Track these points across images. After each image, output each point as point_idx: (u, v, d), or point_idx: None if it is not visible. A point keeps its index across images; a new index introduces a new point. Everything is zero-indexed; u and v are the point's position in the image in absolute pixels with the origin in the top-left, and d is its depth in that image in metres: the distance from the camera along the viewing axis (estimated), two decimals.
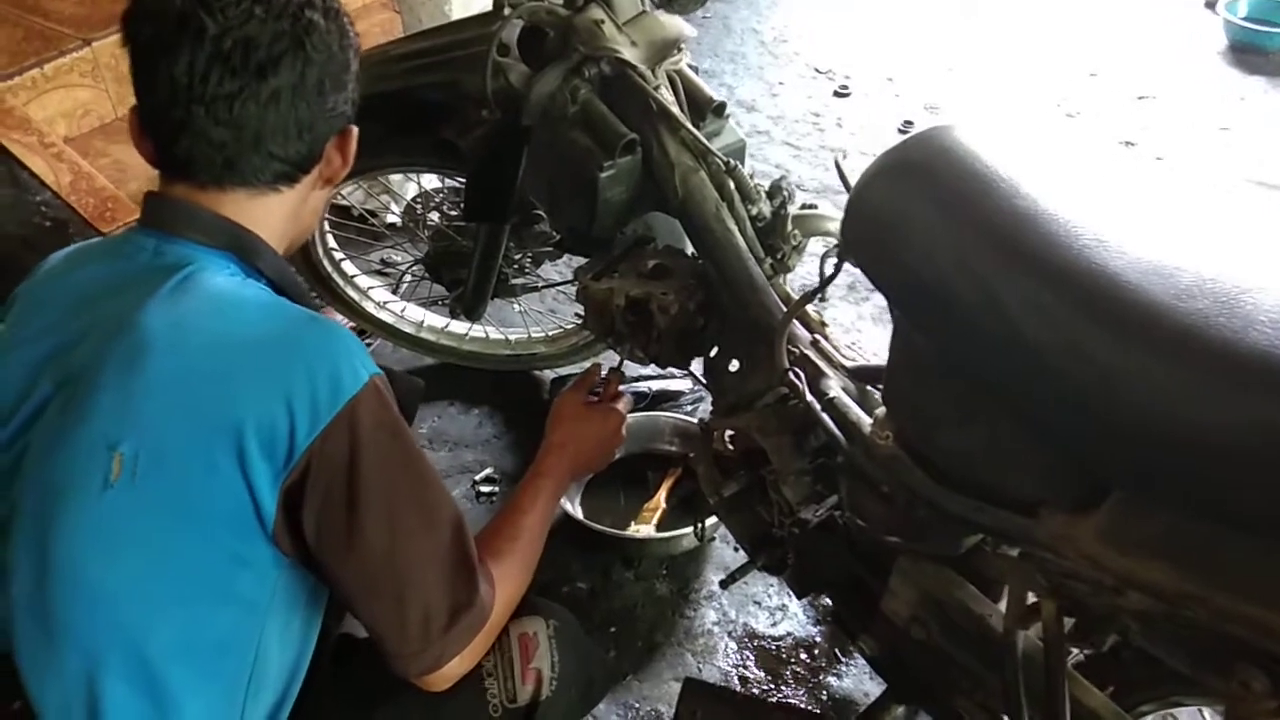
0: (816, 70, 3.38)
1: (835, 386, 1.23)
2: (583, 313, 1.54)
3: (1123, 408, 0.79)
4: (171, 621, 0.89)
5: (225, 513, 0.88)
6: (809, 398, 1.20)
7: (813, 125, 3.09)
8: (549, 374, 2.22)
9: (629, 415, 1.48)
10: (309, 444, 0.87)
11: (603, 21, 1.33)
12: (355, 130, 1.04)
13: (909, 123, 3.06)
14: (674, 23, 1.37)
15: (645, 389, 2.13)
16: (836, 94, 3.24)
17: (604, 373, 1.54)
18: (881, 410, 1.15)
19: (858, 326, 2.33)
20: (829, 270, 1.20)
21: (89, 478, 0.87)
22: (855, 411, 1.18)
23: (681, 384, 2.17)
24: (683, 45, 1.39)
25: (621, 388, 1.50)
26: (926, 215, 0.94)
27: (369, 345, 2.27)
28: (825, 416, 1.18)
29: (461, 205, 1.84)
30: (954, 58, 3.44)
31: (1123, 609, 0.89)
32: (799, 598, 1.41)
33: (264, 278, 0.99)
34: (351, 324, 2.20)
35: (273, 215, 1.00)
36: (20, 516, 0.95)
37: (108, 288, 0.94)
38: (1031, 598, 1.03)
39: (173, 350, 0.88)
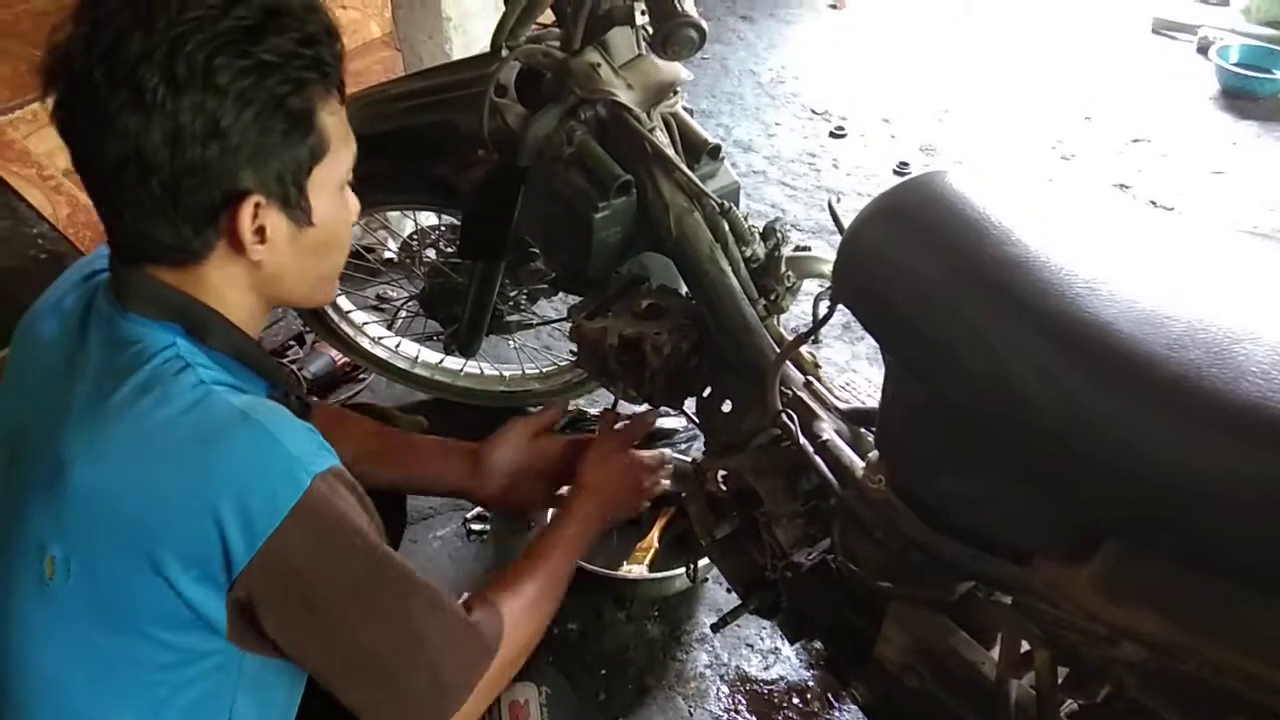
0: (813, 111, 3.41)
1: (828, 429, 1.23)
2: (576, 351, 1.53)
3: (1114, 459, 0.79)
4: (131, 707, 0.88)
5: (169, 619, 0.85)
6: (802, 440, 1.19)
7: (808, 166, 3.11)
8: None
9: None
10: (248, 561, 0.82)
11: (599, 65, 1.34)
12: (252, 202, 0.87)
13: (904, 164, 3.09)
14: (670, 67, 1.38)
15: (628, 418, 2.12)
16: (832, 135, 3.26)
17: (597, 412, 1.53)
18: (874, 454, 1.14)
19: (853, 366, 2.33)
20: (821, 312, 1.21)
21: (27, 574, 0.86)
22: (848, 455, 1.17)
23: (675, 423, 2.16)
24: (678, 89, 1.40)
25: (617, 426, 1.50)
26: (918, 261, 0.94)
27: (362, 381, 2.27)
28: (818, 459, 1.18)
29: (458, 243, 1.85)
30: (950, 100, 3.47)
31: (1116, 659, 0.88)
32: (791, 642, 1.39)
33: (219, 353, 0.92)
34: (345, 359, 2.20)
35: (217, 286, 0.91)
36: None
37: (62, 369, 0.91)
38: (1025, 646, 1.03)
39: (93, 461, 0.84)
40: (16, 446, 0.91)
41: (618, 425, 1.47)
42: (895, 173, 3.05)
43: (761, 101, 3.48)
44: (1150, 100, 3.50)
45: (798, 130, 3.30)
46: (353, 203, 1.00)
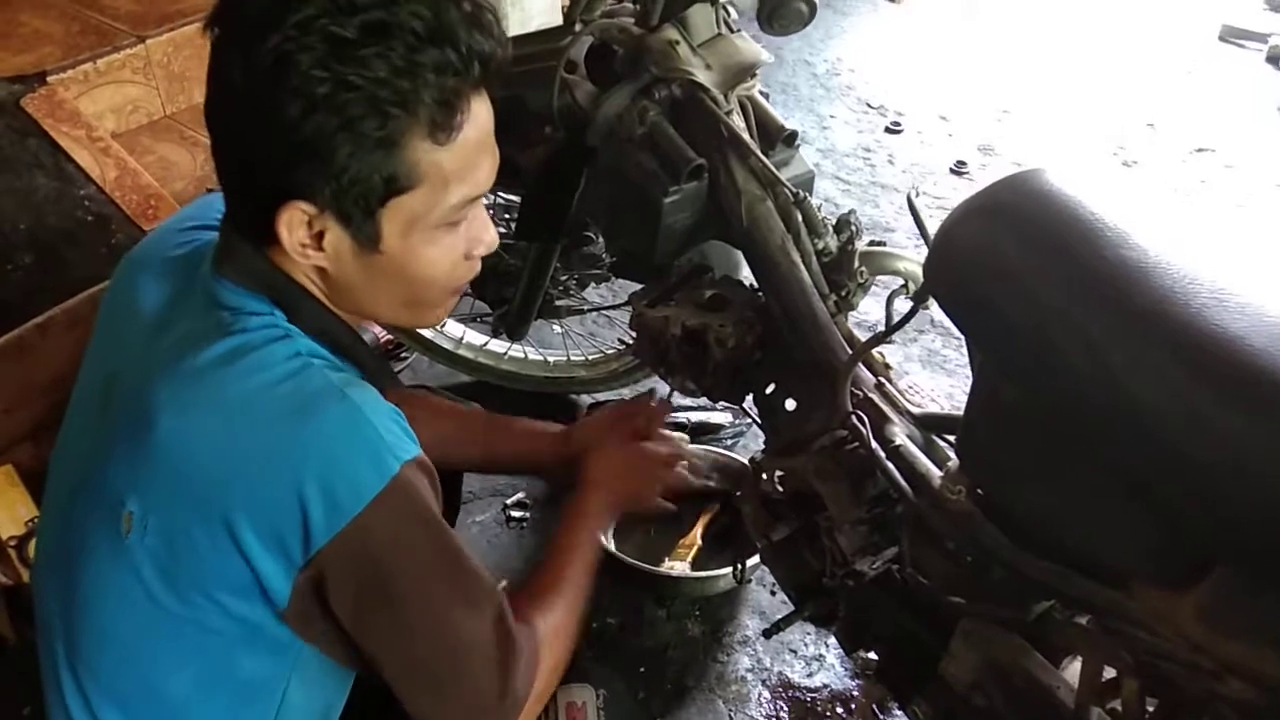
0: (869, 105, 3.34)
1: (900, 434, 1.17)
2: (634, 339, 1.49)
3: (1241, 481, 0.73)
4: (188, 669, 0.86)
5: (238, 588, 0.83)
6: (873, 444, 1.14)
7: (863, 160, 3.04)
8: (585, 399, 2.17)
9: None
10: (327, 543, 0.80)
11: (677, 43, 1.28)
12: (297, 208, 0.82)
13: (962, 163, 3.01)
14: (750, 47, 1.33)
15: (684, 420, 2.08)
16: (888, 130, 3.19)
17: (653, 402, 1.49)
18: (954, 462, 1.09)
19: (905, 369, 2.27)
20: (900, 310, 1.16)
21: (105, 528, 0.85)
22: (923, 462, 1.12)
23: (721, 417, 2.11)
24: (757, 71, 1.34)
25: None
26: (1023, 260, 0.88)
27: (405, 359, 2.23)
28: (890, 465, 1.12)
29: (512, 222, 1.80)
30: (1009, 100, 3.39)
31: (1221, 696, 0.82)
32: (848, 653, 1.34)
33: (307, 334, 0.89)
34: (388, 336, 2.16)
35: (297, 273, 0.89)
36: (45, 539, 0.95)
37: (158, 320, 0.90)
38: (1109, 672, 0.97)
39: (181, 417, 0.82)
40: (109, 392, 0.90)
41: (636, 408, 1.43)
42: (953, 171, 2.98)
43: (816, 93, 3.41)
44: (1216, 109, 3.40)
45: (853, 124, 3.23)
46: (474, 242, 0.91)
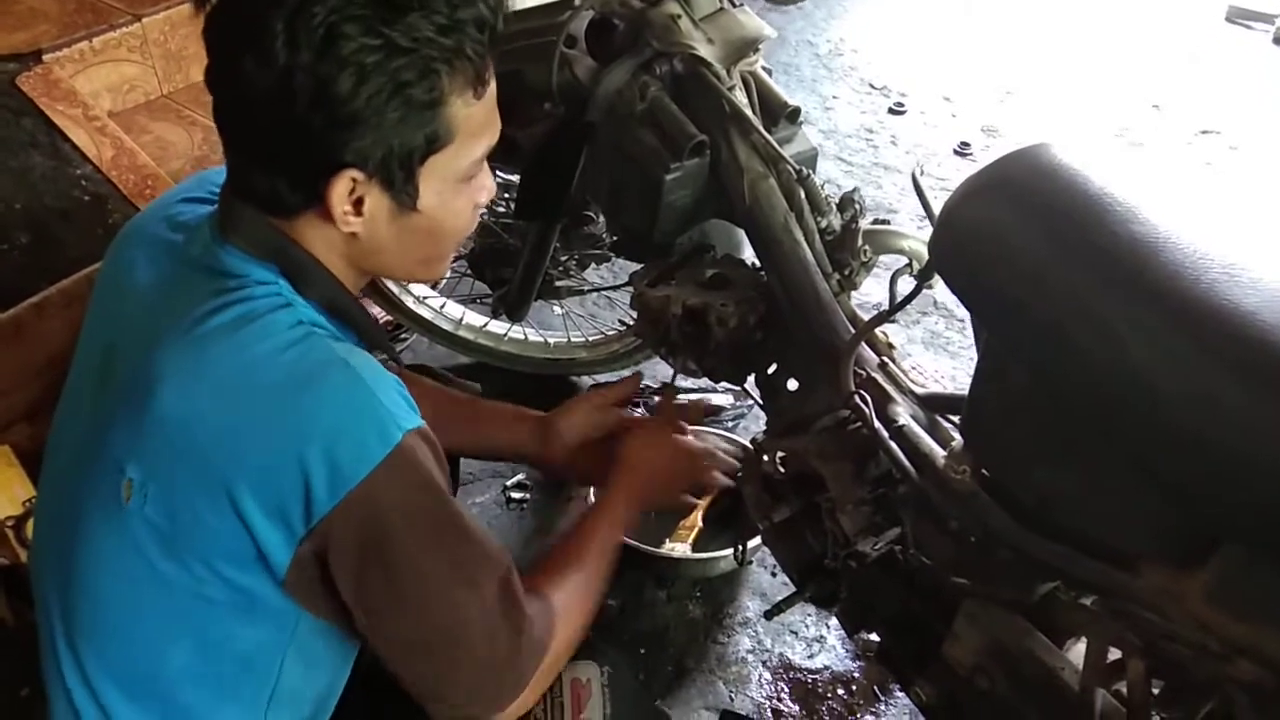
0: (871, 86, 3.31)
1: (904, 414, 1.16)
2: (635, 320, 1.47)
3: (1250, 459, 0.72)
4: (186, 640, 0.85)
5: (238, 557, 0.82)
6: (876, 424, 1.13)
7: (866, 141, 3.02)
8: (587, 380, 2.16)
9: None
10: (329, 511, 0.79)
11: (679, 16, 1.27)
12: (348, 176, 0.83)
13: (966, 144, 2.99)
14: (752, 22, 1.31)
15: (685, 402, 2.07)
16: (891, 111, 3.16)
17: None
18: (958, 442, 1.08)
19: (908, 350, 2.25)
20: (904, 290, 1.14)
21: (104, 495, 0.84)
22: (927, 442, 1.11)
23: (723, 399, 2.10)
24: (759, 46, 1.32)
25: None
26: (1030, 236, 0.87)
27: (404, 340, 2.22)
28: (893, 445, 1.11)
29: (511, 202, 1.79)
30: (1013, 81, 3.36)
31: (1230, 677, 0.82)
32: (850, 635, 1.34)
33: (313, 303, 0.89)
34: (388, 318, 2.15)
35: (313, 243, 0.88)
36: (44, 515, 0.94)
37: (157, 289, 0.90)
38: (1114, 653, 0.96)
39: (183, 385, 0.82)
40: (108, 364, 0.89)
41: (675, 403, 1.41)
42: (956, 153, 2.95)
43: (819, 74, 3.38)
44: (1222, 91, 3.37)
45: (855, 105, 3.20)
46: (480, 190, 0.93)
